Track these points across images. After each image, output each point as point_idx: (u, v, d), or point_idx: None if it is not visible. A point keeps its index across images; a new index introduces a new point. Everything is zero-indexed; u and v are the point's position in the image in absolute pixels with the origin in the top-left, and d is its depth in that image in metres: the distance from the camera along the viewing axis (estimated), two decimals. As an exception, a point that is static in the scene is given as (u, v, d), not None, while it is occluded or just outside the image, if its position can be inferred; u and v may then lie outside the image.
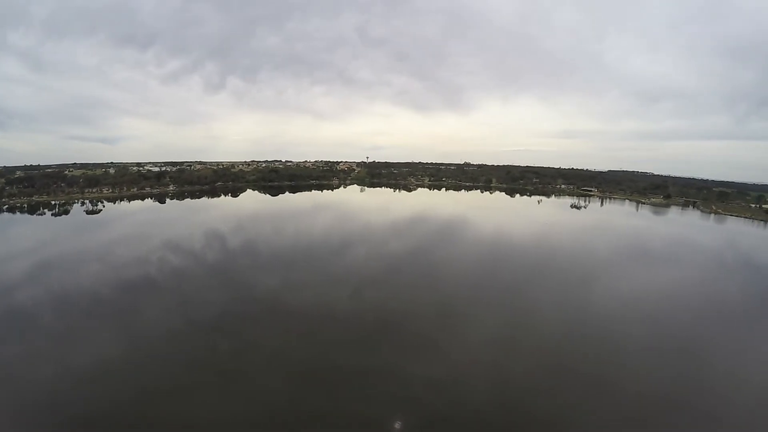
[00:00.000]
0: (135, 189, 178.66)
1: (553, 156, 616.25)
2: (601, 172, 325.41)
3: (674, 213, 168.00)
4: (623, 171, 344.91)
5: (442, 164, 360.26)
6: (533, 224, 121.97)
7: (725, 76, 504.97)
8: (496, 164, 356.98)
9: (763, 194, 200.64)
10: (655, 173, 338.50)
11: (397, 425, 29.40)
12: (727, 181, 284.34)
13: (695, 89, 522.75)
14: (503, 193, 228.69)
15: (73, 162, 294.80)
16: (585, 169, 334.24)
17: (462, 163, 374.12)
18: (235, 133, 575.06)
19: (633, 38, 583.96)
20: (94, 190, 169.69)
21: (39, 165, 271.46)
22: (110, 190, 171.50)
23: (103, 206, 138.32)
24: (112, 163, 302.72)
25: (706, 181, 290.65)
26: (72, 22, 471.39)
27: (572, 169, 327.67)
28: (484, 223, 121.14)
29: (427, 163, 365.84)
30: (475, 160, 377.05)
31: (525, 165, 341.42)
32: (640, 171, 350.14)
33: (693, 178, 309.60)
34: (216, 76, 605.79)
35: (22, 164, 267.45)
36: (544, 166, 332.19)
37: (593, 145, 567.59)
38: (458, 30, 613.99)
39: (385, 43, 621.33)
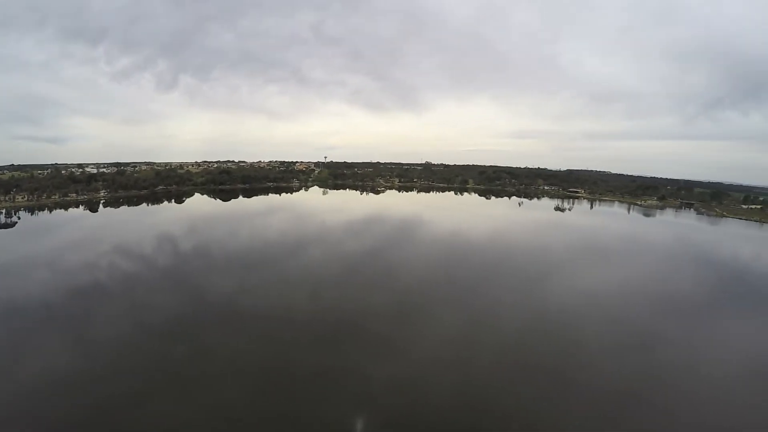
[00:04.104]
0: (57, 196, 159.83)
1: (508, 156, 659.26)
2: (589, 171, 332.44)
3: (678, 216, 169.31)
4: (599, 171, 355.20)
5: (403, 164, 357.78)
6: (508, 227, 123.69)
7: (675, 79, 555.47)
8: (453, 164, 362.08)
9: (748, 194, 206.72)
10: (614, 172, 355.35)
11: (360, 425, 29.89)
12: (682, 179, 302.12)
13: (646, 91, 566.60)
14: (478, 195, 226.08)
15: (10, 164, 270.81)
16: (563, 169, 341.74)
17: (423, 162, 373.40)
18: (187, 132, 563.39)
19: (586, 41, 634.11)
20: (6, 198, 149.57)
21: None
22: (25, 198, 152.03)
23: (19, 218, 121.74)
24: (56, 164, 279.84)
25: (677, 180, 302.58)
26: (19, 15, 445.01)
27: (539, 168, 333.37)
28: (462, 228, 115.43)
29: (389, 163, 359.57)
30: (433, 160, 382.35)
31: (483, 165, 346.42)
32: (598, 170, 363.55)
33: (655, 177, 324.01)
34: (168, 74, 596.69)
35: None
36: (502, 165, 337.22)
37: (547, 145, 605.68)
38: (414, 30, 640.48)
39: (340, 42, 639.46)
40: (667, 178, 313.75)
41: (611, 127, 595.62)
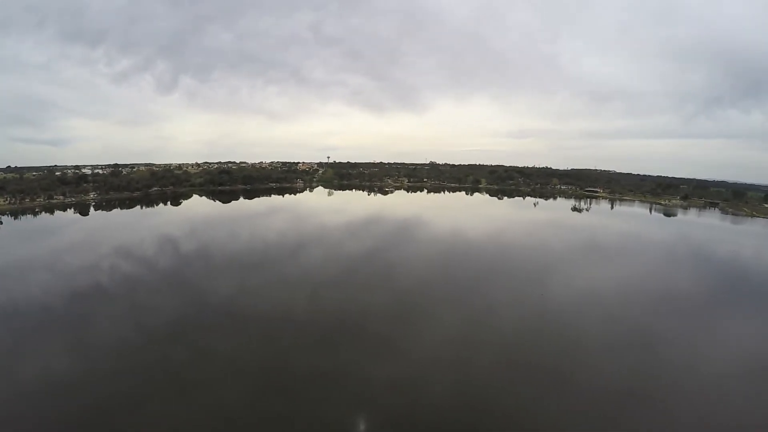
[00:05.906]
0: (42, 198, 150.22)
1: (507, 155, 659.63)
2: (597, 170, 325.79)
3: (707, 216, 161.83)
4: (604, 170, 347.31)
5: (405, 164, 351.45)
6: (525, 229, 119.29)
7: (674, 77, 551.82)
8: (454, 163, 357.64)
9: (767, 193, 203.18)
10: (616, 171, 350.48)
11: (360, 425, 30.26)
12: (694, 179, 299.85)
13: (645, 90, 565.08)
14: (490, 196, 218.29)
15: (7, 166, 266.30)
16: (572, 168, 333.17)
17: (425, 162, 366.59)
18: (187, 133, 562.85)
19: (585, 41, 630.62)
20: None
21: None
22: (7, 201, 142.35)
23: (0, 223, 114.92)
24: (55, 166, 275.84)
25: (689, 180, 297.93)
26: (18, 16, 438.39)
27: (546, 167, 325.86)
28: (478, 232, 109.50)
29: (392, 163, 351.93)
30: (434, 160, 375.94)
31: (482, 164, 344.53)
32: (601, 169, 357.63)
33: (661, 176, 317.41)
34: (168, 75, 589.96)
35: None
36: (504, 164, 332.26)
37: (545, 144, 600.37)
38: (414, 30, 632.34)
39: (339, 42, 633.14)
40: (677, 177, 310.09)
41: (610, 125, 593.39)
